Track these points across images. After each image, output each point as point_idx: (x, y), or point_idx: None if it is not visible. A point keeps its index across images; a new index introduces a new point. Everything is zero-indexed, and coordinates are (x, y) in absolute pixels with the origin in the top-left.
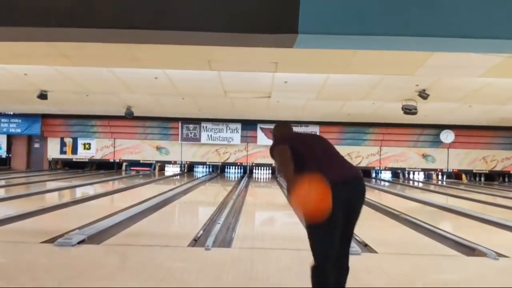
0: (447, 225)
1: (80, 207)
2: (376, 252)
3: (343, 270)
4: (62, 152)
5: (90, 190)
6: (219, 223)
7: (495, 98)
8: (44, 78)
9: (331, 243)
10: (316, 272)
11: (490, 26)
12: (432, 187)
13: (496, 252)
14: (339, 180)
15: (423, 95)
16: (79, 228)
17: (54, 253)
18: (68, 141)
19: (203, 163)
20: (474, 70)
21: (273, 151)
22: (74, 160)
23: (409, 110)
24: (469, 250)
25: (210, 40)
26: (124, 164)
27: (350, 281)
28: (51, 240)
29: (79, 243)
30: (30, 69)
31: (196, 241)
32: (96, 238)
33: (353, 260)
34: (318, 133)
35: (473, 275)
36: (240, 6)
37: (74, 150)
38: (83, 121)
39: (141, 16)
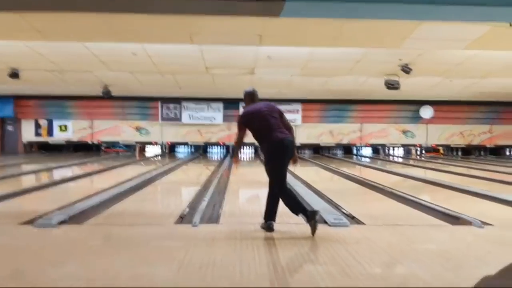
0: (430, 196)
1: (59, 188)
2: (364, 224)
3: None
4: (37, 134)
5: (69, 172)
6: (205, 201)
7: (476, 72)
8: (15, 56)
9: (281, 173)
10: (282, 190)
11: None
12: (412, 162)
13: (480, 221)
14: (277, 141)
15: (406, 69)
16: (59, 209)
17: (34, 235)
18: (43, 123)
19: (184, 144)
20: (459, 42)
21: (237, 123)
22: (50, 142)
23: (391, 85)
24: (454, 219)
25: (192, 7)
26: (103, 145)
27: (341, 251)
28: (30, 222)
29: (60, 223)
30: None
31: (183, 219)
32: (77, 218)
33: (342, 232)
34: (300, 111)
35: (461, 243)
36: None
37: (50, 132)
38: (59, 102)
39: None
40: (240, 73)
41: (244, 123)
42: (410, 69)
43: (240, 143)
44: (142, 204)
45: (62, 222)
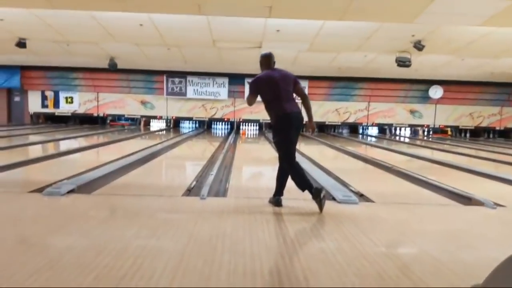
0: (440, 177)
1: (67, 159)
2: (373, 202)
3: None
4: (44, 106)
5: (76, 144)
6: (212, 175)
7: (490, 51)
8: (22, 25)
9: (288, 147)
10: (290, 164)
11: None
12: (419, 143)
13: (493, 202)
14: (289, 111)
15: (418, 46)
16: (67, 178)
17: (43, 203)
18: (50, 94)
19: (189, 119)
20: (475, 18)
21: (249, 87)
22: (56, 114)
23: (402, 63)
24: (465, 200)
25: None
26: (109, 119)
27: (351, 228)
28: (39, 190)
29: (68, 192)
30: (6, 14)
31: (190, 191)
32: (85, 188)
33: (352, 209)
34: (306, 88)
35: (473, 223)
36: None
37: (56, 104)
38: (65, 73)
39: None
40: (247, 47)
41: (256, 90)
42: (423, 46)
43: (250, 105)
44: (149, 177)
45: (70, 191)
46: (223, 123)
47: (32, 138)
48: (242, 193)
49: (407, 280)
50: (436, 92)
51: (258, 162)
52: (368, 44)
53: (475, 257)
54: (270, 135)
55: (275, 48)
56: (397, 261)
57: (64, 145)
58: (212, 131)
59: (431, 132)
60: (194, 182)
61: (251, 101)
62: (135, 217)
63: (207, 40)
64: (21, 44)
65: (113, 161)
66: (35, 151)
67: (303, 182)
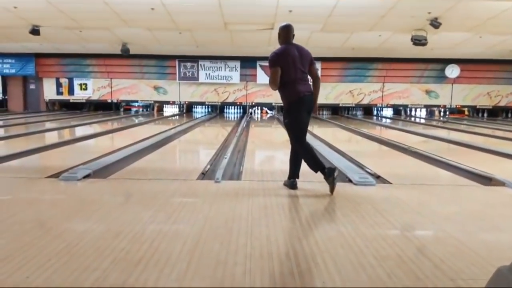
0: (458, 157)
1: (82, 145)
2: (390, 183)
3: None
4: (59, 93)
5: (91, 130)
6: (226, 158)
7: (509, 28)
8: (35, 12)
9: (299, 128)
10: (301, 145)
11: None
12: (435, 123)
13: None
14: (302, 94)
15: (435, 23)
16: (83, 164)
17: (60, 187)
18: (64, 81)
19: (202, 103)
20: None
21: (270, 62)
22: (71, 101)
23: (418, 41)
24: (486, 180)
25: None
26: (122, 105)
27: (369, 209)
28: (56, 176)
29: (84, 177)
30: (20, 1)
31: (204, 175)
32: (101, 173)
33: (369, 191)
34: (319, 70)
35: (495, 204)
36: None
37: (71, 91)
38: (78, 60)
39: None
40: (259, 29)
41: (277, 62)
42: (440, 23)
43: (276, 84)
44: (163, 161)
45: (86, 176)
46: (236, 107)
47: (48, 125)
48: (257, 176)
49: (427, 261)
50: (452, 71)
51: (271, 145)
52: (383, 23)
53: (498, 238)
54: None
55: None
56: (417, 242)
57: (80, 131)
58: (225, 115)
59: (447, 113)
60: (209, 166)
61: (275, 78)
62: (151, 201)
63: (218, 23)
64: (35, 31)
65: (128, 146)
66: (52, 137)
67: (316, 164)
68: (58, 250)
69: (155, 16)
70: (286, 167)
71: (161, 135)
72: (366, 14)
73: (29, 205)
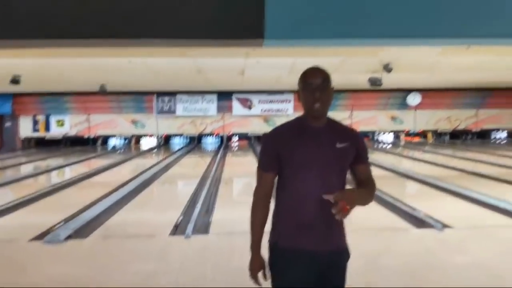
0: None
1: (60, 195)
2: None
3: None
4: (35, 130)
5: (68, 174)
6: (197, 208)
7: (454, 69)
8: (17, 65)
9: None
10: None
11: (428, 26)
12: (399, 150)
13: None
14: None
15: (387, 69)
16: (64, 221)
17: (45, 251)
18: (41, 118)
19: (179, 135)
20: (430, 50)
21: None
22: (47, 138)
23: (374, 83)
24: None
25: (190, 43)
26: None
27: None
28: (39, 238)
29: (66, 238)
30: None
31: (177, 228)
32: (82, 232)
33: None
34: (291, 101)
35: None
36: (214, 15)
37: (48, 128)
38: (56, 98)
39: (126, 28)
40: (231, 74)
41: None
42: (391, 69)
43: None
44: (139, 213)
45: (68, 237)
46: (213, 137)
47: (24, 169)
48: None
49: None
50: (414, 99)
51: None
52: (342, 69)
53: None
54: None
55: (257, 74)
56: None
57: (57, 177)
58: (203, 145)
59: (411, 136)
60: (181, 217)
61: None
62: (132, 260)
63: (192, 72)
64: (15, 81)
65: (107, 196)
66: (28, 186)
67: None
68: None
69: (132, 66)
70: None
71: (138, 178)
72: (324, 64)
73: (16, 272)
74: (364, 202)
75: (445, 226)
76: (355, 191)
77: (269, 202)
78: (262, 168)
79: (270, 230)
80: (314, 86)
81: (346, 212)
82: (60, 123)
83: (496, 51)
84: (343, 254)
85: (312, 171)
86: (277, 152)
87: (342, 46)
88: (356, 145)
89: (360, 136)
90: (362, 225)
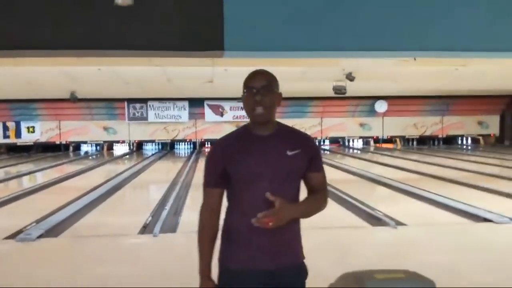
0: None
1: (32, 199)
2: None
3: None
4: (5, 136)
5: (40, 179)
6: (166, 209)
7: (414, 77)
8: None
9: None
10: None
11: (383, 39)
12: (361, 155)
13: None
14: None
15: (350, 77)
16: (36, 222)
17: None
18: (11, 125)
19: (152, 141)
20: (384, 60)
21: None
22: (18, 144)
23: (339, 91)
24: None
25: (155, 54)
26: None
27: None
28: (12, 236)
29: (38, 237)
30: None
31: (146, 228)
32: (53, 231)
33: None
34: None
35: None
36: (178, 28)
37: (18, 134)
38: (26, 105)
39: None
40: (200, 82)
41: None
42: (354, 77)
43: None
44: (112, 213)
45: (40, 236)
46: (186, 143)
47: None
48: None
49: None
50: (381, 106)
51: None
52: (307, 77)
53: None
54: None
55: (226, 82)
56: None
57: (28, 182)
58: (176, 151)
59: (380, 142)
60: (150, 218)
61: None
62: (103, 262)
63: (162, 80)
64: None
65: (78, 198)
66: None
67: None
68: None
69: (102, 74)
70: None
71: (109, 183)
72: (289, 73)
73: None
74: (308, 214)
75: (400, 224)
76: (292, 209)
77: (217, 220)
78: (207, 185)
79: (219, 251)
80: (256, 90)
81: (266, 226)
82: (31, 130)
83: (446, 62)
84: (300, 271)
85: (261, 183)
86: (223, 167)
87: (299, 58)
88: (309, 152)
89: (313, 142)
90: (322, 225)
